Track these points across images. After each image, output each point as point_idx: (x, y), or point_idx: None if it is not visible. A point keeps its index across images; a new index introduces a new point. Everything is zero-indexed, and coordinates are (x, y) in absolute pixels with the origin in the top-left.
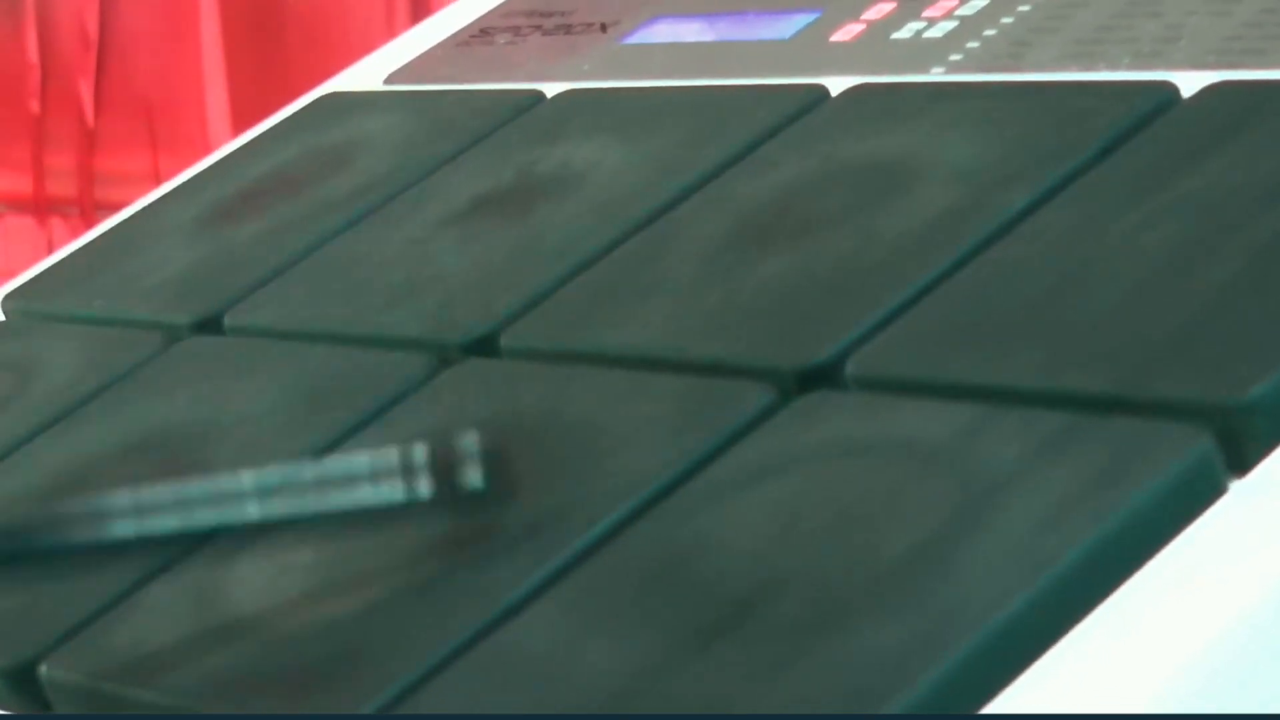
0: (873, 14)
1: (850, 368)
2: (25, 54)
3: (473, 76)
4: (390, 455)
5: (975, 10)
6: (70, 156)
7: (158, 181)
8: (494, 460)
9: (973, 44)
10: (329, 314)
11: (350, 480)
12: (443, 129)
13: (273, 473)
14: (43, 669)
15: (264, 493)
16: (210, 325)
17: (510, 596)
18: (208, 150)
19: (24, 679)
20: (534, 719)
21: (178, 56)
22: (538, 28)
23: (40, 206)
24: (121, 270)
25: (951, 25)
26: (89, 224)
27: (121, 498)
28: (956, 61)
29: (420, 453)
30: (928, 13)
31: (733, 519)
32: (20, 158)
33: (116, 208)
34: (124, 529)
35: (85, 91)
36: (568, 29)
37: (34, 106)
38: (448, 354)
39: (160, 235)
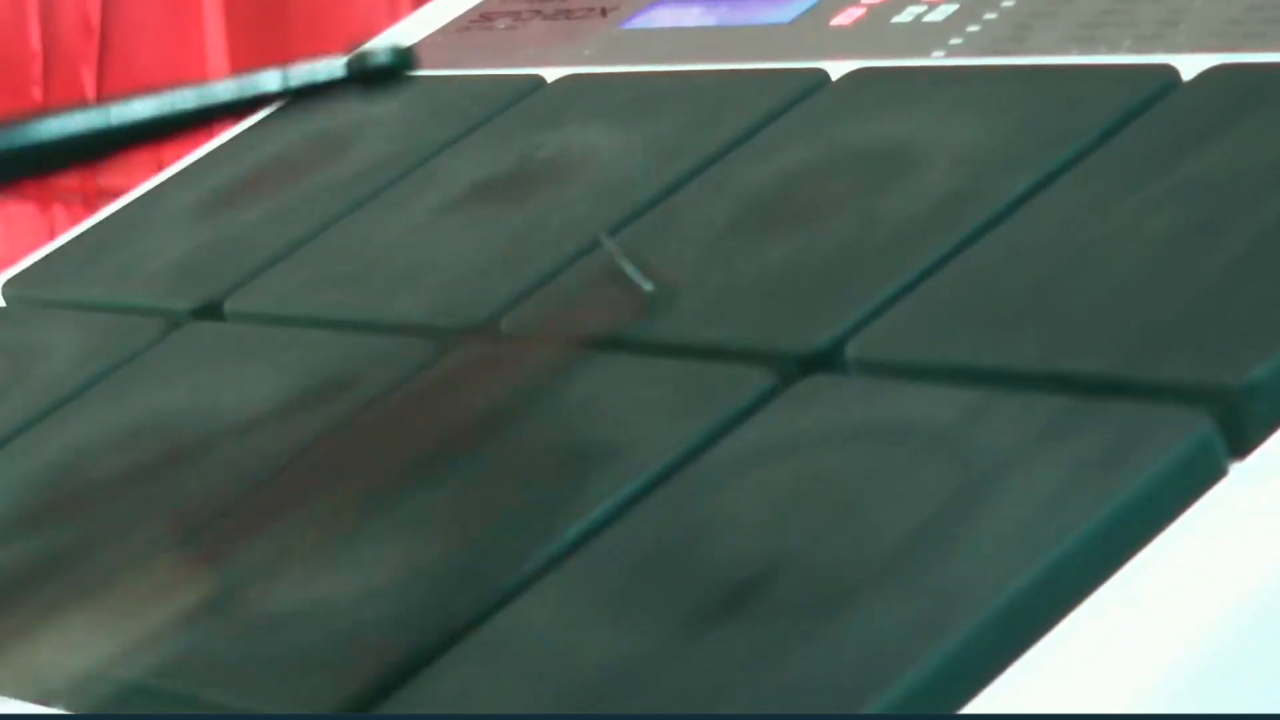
0: None
1: (851, 352)
2: (28, 41)
3: (473, 61)
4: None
5: None
6: None
7: (160, 169)
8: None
9: (973, 27)
10: (330, 299)
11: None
12: (444, 114)
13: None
14: None
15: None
16: (211, 311)
17: (509, 580)
18: (210, 138)
19: None
20: (528, 718)
21: (180, 44)
22: (538, 12)
23: (42, 194)
24: (122, 256)
25: (952, 9)
26: (91, 211)
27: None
28: (957, 45)
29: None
30: None
31: (732, 503)
32: None
33: (118, 195)
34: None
35: (88, 79)
36: (568, 13)
37: (37, 94)
38: (448, 339)
39: (160, 221)
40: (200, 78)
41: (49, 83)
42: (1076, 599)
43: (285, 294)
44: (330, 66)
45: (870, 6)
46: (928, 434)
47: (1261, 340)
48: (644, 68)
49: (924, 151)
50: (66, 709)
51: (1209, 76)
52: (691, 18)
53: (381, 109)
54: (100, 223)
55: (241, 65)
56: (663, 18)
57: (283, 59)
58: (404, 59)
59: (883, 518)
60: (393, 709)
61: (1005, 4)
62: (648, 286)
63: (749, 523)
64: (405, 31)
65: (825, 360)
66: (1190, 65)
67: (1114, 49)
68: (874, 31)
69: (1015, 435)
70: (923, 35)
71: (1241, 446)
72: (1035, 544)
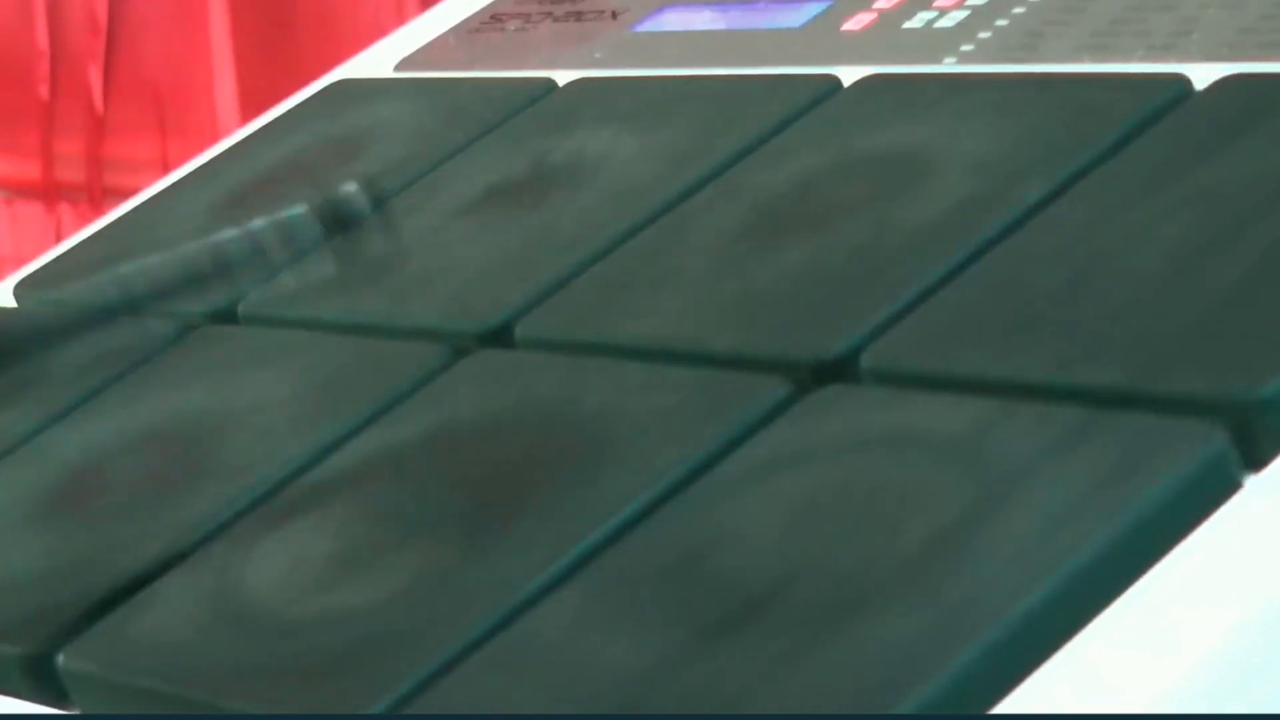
0: (884, 3)
1: (865, 361)
2: (35, 40)
3: (484, 64)
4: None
5: (987, 0)
6: (79, 142)
7: (166, 168)
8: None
9: (984, 34)
10: (343, 303)
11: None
12: (455, 117)
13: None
14: (60, 659)
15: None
16: (225, 315)
17: (526, 589)
18: (217, 137)
19: (41, 669)
20: (547, 718)
21: (187, 43)
22: (549, 14)
23: (49, 192)
24: (135, 258)
25: (963, 15)
26: (97, 210)
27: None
28: (968, 52)
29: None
30: (939, 2)
31: (747, 513)
32: (29, 143)
33: (125, 194)
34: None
35: (94, 77)
36: (578, 16)
37: (43, 92)
38: (462, 344)
39: (173, 223)
40: (206, 77)
41: (56, 81)
42: (1093, 610)
43: (298, 298)
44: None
45: (881, 12)
46: (943, 444)
47: (1277, 352)
48: (655, 71)
49: (937, 159)
50: (75, 709)
51: (1221, 86)
52: (702, 21)
53: (392, 112)
54: (112, 224)
55: (247, 65)
56: (673, 21)
57: (289, 59)
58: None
59: (900, 526)
60: (412, 713)
61: (1017, 10)
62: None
63: (767, 531)
64: (415, 32)
65: (840, 370)
66: (1203, 74)
67: (1126, 58)
68: (885, 37)
69: (1029, 447)
70: (934, 41)
71: (1257, 459)
72: (1052, 555)
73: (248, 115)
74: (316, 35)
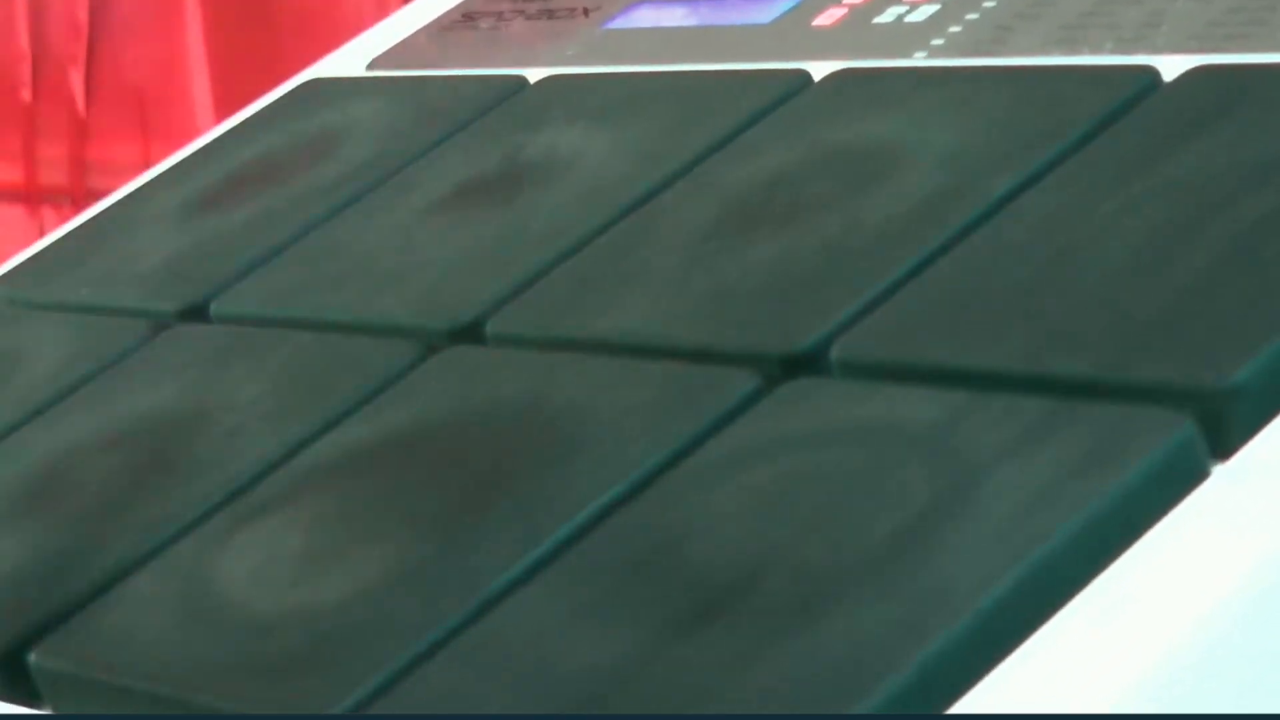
0: None
1: (835, 354)
2: (16, 43)
3: (456, 62)
4: None
5: None
6: (61, 146)
7: (148, 168)
8: None
9: (955, 28)
10: (314, 301)
11: None
12: (426, 115)
13: None
14: (32, 657)
15: None
16: (195, 313)
17: (494, 584)
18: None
19: (13, 668)
20: (515, 718)
21: (168, 45)
22: (520, 12)
23: (32, 196)
24: (107, 258)
25: (933, 9)
26: (80, 213)
27: None
28: (939, 46)
29: None
30: None
31: (717, 506)
32: (11, 147)
33: (107, 196)
34: None
35: (76, 81)
36: (550, 13)
37: (25, 96)
38: (433, 341)
39: (145, 222)
40: (188, 79)
41: (38, 84)
42: (1061, 600)
43: (270, 296)
44: None
45: (852, 7)
46: (911, 436)
47: (1244, 341)
48: (626, 68)
49: (907, 153)
50: (47, 708)
51: (1189, 78)
52: (673, 18)
53: (364, 110)
54: (85, 224)
55: (227, 66)
56: (645, 18)
57: (268, 60)
58: None
59: (867, 520)
60: (380, 712)
61: (987, 4)
62: None
63: (734, 525)
64: (387, 31)
65: (810, 362)
66: (1171, 66)
67: (1096, 50)
68: (855, 32)
69: (998, 438)
70: (904, 36)
71: (1224, 448)
72: (1019, 545)
73: (225, 117)
74: (297, 36)
